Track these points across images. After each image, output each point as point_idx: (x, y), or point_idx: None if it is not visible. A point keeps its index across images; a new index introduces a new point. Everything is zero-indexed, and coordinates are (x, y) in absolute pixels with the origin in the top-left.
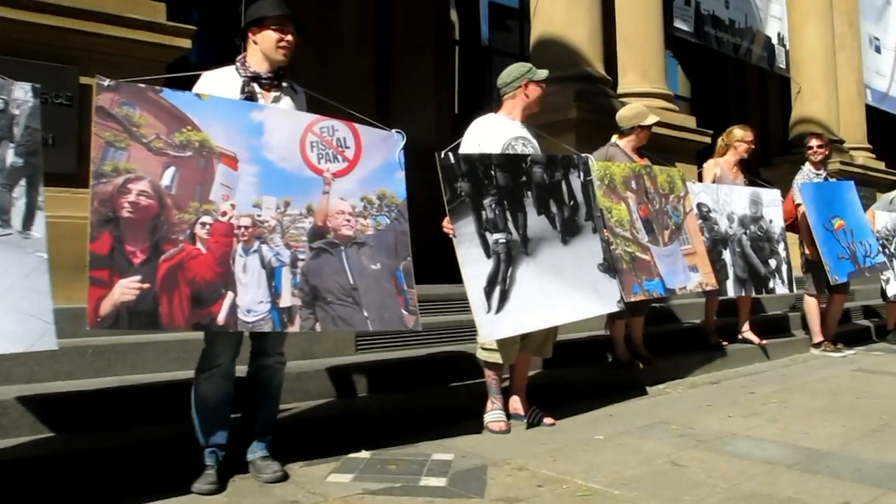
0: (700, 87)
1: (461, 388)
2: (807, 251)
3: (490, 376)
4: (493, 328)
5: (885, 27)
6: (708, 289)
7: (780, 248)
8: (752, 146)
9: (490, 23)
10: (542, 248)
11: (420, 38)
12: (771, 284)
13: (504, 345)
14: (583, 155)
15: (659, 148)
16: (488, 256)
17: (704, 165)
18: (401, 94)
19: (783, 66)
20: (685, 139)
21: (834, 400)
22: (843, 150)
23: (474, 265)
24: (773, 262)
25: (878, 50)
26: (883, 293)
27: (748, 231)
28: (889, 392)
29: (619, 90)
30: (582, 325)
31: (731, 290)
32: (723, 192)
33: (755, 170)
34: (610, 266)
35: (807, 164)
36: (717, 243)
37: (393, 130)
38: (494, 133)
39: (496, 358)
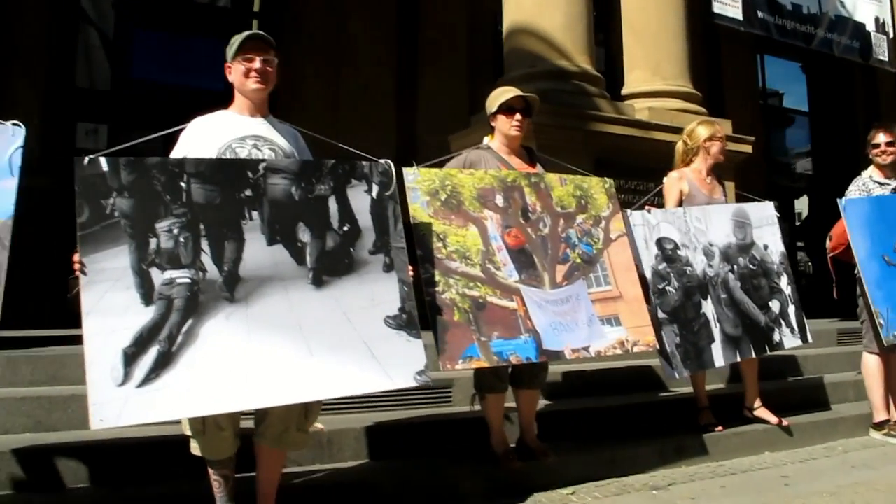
0: (822, 100)
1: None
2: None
3: (211, 475)
4: (123, 408)
5: None
6: (637, 350)
7: (784, 282)
8: (726, 144)
9: None
10: (269, 291)
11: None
12: (776, 337)
13: (204, 432)
14: (381, 161)
15: None
16: (148, 303)
17: (665, 181)
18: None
19: (884, 57)
20: None
21: None
22: None
23: (112, 316)
24: (775, 306)
25: None
26: None
27: (736, 267)
28: None
29: (625, 90)
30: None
31: (718, 358)
32: (693, 218)
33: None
34: (410, 320)
35: (870, 168)
36: (691, 293)
37: (9, 123)
38: (214, 133)
39: (199, 449)
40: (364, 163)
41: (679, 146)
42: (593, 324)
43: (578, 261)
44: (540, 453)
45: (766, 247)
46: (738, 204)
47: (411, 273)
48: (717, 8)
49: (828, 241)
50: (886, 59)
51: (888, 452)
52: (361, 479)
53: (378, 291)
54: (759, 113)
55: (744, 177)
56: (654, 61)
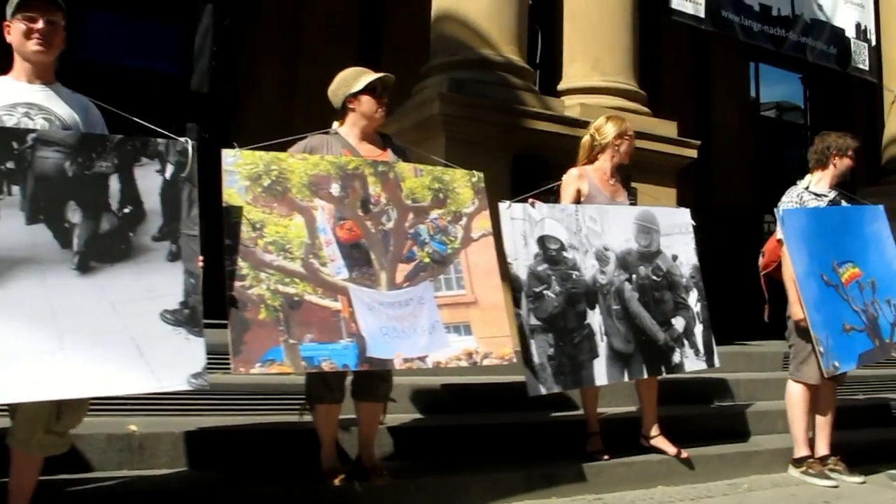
0: (821, 113)
1: None
2: (792, 313)
3: None
4: None
5: None
6: (489, 363)
7: (692, 298)
8: (634, 143)
9: None
10: (22, 275)
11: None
12: (676, 358)
13: None
14: (181, 139)
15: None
16: None
17: (564, 178)
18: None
19: (864, 66)
20: (658, 152)
21: None
22: None
23: None
24: (678, 323)
25: None
26: None
27: (635, 276)
28: None
29: (562, 85)
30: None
31: (601, 376)
32: (587, 218)
33: None
34: (193, 316)
35: (808, 177)
36: (576, 300)
37: None
38: None
39: None
40: (160, 140)
41: (585, 140)
42: (436, 331)
43: (427, 260)
44: (374, 474)
45: (675, 257)
46: (646, 207)
47: (201, 264)
48: (675, 4)
49: (760, 258)
50: (867, 67)
51: (797, 494)
52: (160, 491)
53: (158, 282)
54: (748, 123)
55: (729, 188)
56: (593, 55)
